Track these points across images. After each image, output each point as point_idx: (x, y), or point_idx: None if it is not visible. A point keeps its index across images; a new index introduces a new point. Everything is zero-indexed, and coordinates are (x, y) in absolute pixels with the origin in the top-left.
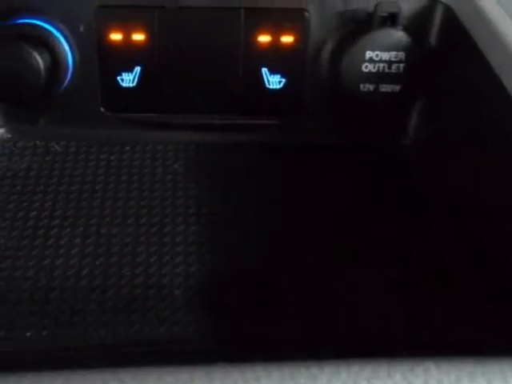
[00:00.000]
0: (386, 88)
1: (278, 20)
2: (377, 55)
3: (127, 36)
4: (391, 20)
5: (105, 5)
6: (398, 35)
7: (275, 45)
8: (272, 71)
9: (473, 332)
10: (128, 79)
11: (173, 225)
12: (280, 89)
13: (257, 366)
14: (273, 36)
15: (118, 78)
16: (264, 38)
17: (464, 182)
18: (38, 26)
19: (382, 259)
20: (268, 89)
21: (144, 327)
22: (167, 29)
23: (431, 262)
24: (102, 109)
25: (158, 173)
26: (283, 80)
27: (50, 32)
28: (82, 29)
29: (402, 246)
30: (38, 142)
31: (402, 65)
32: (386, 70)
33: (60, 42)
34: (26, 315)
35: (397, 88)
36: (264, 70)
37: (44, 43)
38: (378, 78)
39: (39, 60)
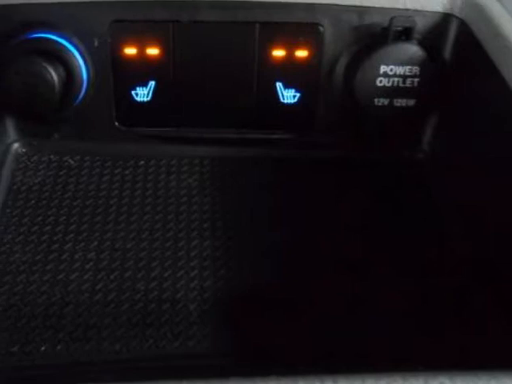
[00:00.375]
0: (400, 102)
1: (292, 34)
2: (391, 69)
3: (142, 50)
4: (406, 34)
5: (120, 19)
6: (413, 49)
7: (290, 59)
8: (286, 85)
9: (487, 347)
10: (142, 93)
11: (187, 239)
12: (294, 103)
13: (271, 380)
14: (287, 50)
15: (133, 92)
16: (278, 53)
17: (478, 195)
18: (53, 40)
19: (397, 274)
20: (282, 103)
21: (158, 342)
22: (182, 43)
23: (446, 277)
24: (116, 123)
25: (172, 187)
26: (297, 94)
27: (64, 46)
28: (96, 43)
29: (417, 260)
30: (52, 156)
31: (416, 79)
32: (401, 84)
33: (74, 57)
34: (40, 329)
35: (411, 102)
36: (278, 85)
37: (58, 58)
38: (393, 92)
39: (54, 74)
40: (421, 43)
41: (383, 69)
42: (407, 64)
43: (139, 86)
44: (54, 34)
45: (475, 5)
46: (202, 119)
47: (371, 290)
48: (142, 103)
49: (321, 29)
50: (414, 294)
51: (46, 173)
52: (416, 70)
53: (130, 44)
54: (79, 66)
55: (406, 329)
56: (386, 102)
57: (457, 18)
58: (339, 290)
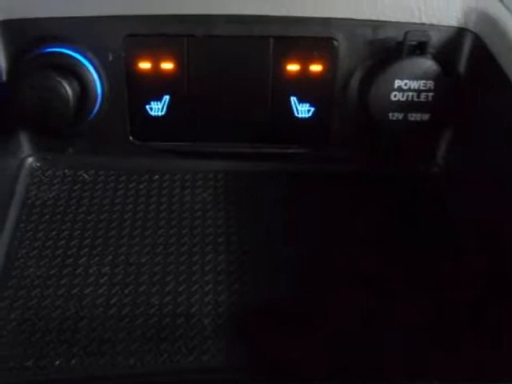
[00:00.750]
0: (414, 117)
1: (307, 49)
2: (406, 84)
3: (156, 65)
4: (420, 49)
5: (134, 33)
6: (427, 64)
7: (304, 74)
8: (301, 100)
9: (503, 361)
10: (157, 108)
11: (202, 254)
12: (309, 117)
13: None
14: (302, 65)
15: (147, 106)
16: (293, 67)
17: (493, 209)
18: (67, 54)
19: (412, 288)
20: (297, 117)
21: (173, 356)
22: (196, 57)
23: (461, 291)
24: (130, 137)
25: (186, 201)
26: (312, 109)
27: (78, 61)
28: (110, 57)
29: (432, 274)
30: (66, 170)
31: (430, 93)
32: (415, 98)
33: (89, 71)
34: (54, 344)
35: (426, 117)
36: (293, 99)
37: (73, 72)
38: (407, 106)
39: (68, 89)
40: (435, 57)
41: (398, 83)
42: (422, 78)
43: (154, 100)
44: (68, 49)
45: (489, 19)
46: (217, 133)
47: (386, 304)
48: (157, 117)
49: (335, 43)
50: (429, 308)
51: (60, 187)
52: (430, 84)
53: (145, 58)
54: (94, 81)
55: (422, 343)
56: (400, 116)
57: (471, 32)
58: (354, 304)
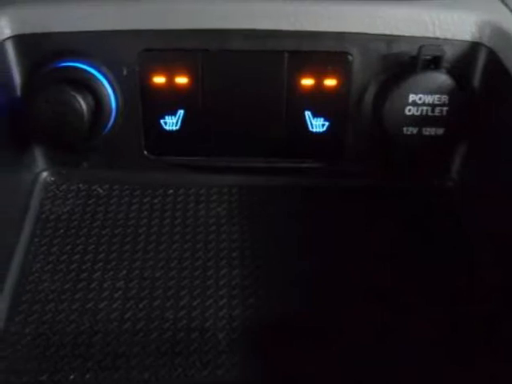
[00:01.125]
0: (429, 131)
1: (321, 63)
2: (420, 98)
3: (171, 79)
4: (435, 63)
5: (148, 48)
6: (442, 78)
7: (318, 88)
8: (315, 114)
9: None
10: (171, 122)
11: (216, 268)
12: (323, 132)
13: None
14: (316, 79)
15: (162, 121)
16: (307, 82)
17: (508, 223)
18: (82, 69)
19: (426, 303)
20: (311, 132)
21: (187, 370)
22: (211, 72)
23: (476, 306)
24: (145, 152)
25: (201, 216)
26: (326, 123)
27: (93, 75)
28: (125, 72)
29: (447, 289)
30: (80, 185)
31: (445, 108)
32: (430, 113)
33: (103, 86)
34: (69, 358)
35: (440, 131)
36: (307, 113)
37: (87, 86)
38: (422, 121)
39: (83, 103)
40: (449, 72)
41: (412, 97)
42: (436, 93)
43: (168, 114)
44: (83, 63)
45: (504, 34)
46: (231, 148)
47: (400, 319)
48: (171, 132)
49: (350, 58)
50: (444, 322)
51: (74, 201)
52: (445, 98)
53: (159, 73)
54: (108, 95)
55: (436, 357)
56: (414, 130)
57: (485, 46)
58: (369, 319)
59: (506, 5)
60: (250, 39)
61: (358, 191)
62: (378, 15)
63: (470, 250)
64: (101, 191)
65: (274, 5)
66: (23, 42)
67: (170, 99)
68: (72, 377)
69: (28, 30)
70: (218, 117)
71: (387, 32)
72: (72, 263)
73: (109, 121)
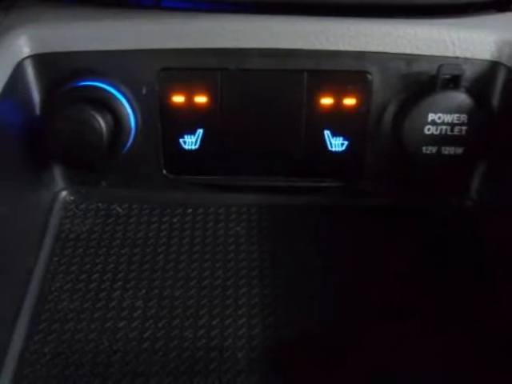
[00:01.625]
0: (448, 150)
1: (340, 82)
2: (439, 117)
3: (190, 98)
4: (454, 82)
5: (167, 67)
6: (461, 98)
7: (338, 107)
8: (334, 133)
9: None
10: (190, 141)
11: (235, 287)
12: (342, 151)
13: None
14: (335, 98)
15: (181, 140)
16: (327, 101)
17: None
18: (101, 88)
19: (446, 323)
20: (330, 151)
21: None
22: (230, 91)
23: (495, 323)
24: (164, 171)
25: (220, 235)
26: (346, 142)
27: (112, 94)
28: (144, 91)
29: (466, 307)
30: (100, 204)
31: (464, 127)
32: (449, 132)
33: (122, 105)
34: (88, 377)
35: (459, 150)
36: (326, 133)
37: (107, 105)
38: (441, 140)
39: (102, 122)
40: (469, 91)
41: (431, 117)
42: (455, 112)
43: (187, 134)
44: (102, 82)
45: None
46: (250, 167)
47: (420, 338)
48: (190, 151)
49: (369, 77)
50: (463, 340)
51: (93, 221)
52: (464, 117)
53: (178, 92)
54: (127, 114)
55: (456, 375)
56: (434, 149)
57: (505, 66)
58: (388, 338)
59: None
60: (269, 58)
61: (377, 210)
62: (397, 34)
63: (488, 269)
64: (120, 210)
65: (294, 24)
66: (42, 61)
67: (189, 118)
68: None
69: (47, 49)
70: (237, 136)
71: (407, 51)
72: (91, 282)
73: (128, 140)
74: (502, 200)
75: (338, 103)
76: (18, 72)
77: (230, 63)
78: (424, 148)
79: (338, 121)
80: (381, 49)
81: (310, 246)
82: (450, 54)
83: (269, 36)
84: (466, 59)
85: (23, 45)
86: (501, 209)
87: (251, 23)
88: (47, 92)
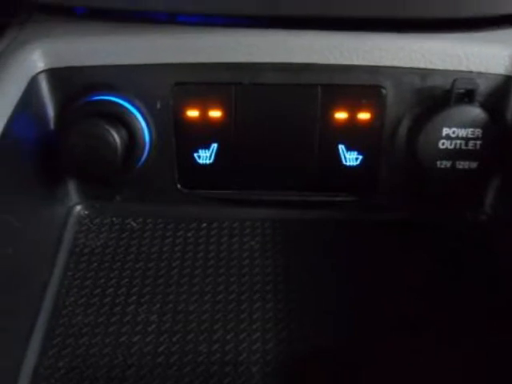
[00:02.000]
0: (462, 165)
1: (354, 97)
2: (454, 132)
3: (204, 112)
4: (468, 97)
5: (182, 81)
6: (475, 112)
7: (352, 122)
8: (349, 148)
9: None
10: (205, 156)
11: (250, 302)
12: (357, 165)
13: None
14: (349, 113)
15: (195, 154)
16: (341, 115)
17: None
18: (115, 102)
19: (460, 337)
20: (345, 165)
21: None
22: (244, 105)
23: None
24: (178, 185)
25: (234, 250)
26: (360, 157)
27: (126, 109)
28: (158, 105)
29: (481, 323)
30: (114, 218)
31: (478, 141)
32: (463, 146)
33: (137, 119)
34: None
35: (474, 165)
36: (341, 147)
37: (121, 120)
38: (455, 154)
39: (116, 137)
40: (483, 105)
41: (446, 131)
42: (469, 126)
43: (202, 148)
44: (116, 97)
45: None
46: (264, 181)
47: (435, 352)
48: (205, 165)
49: (383, 91)
50: (478, 355)
51: (108, 235)
52: (478, 132)
53: (193, 106)
54: (141, 129)
55: None
56: (448, 164)
57: None
58: (403, 352)
59: None
60: (283, 73)
61: (392, 224)
62: (411, 49)
63: (503, 283)
64: (134, 225)
65: (308, 38)
66: (56, 75)
67: (204, 133)
68: None
69: (61, 63)
70: (251, 150)
71: (421, 66)
72: (105, 297)
73: (142, 154)
74: None
75: (352, 117)
76: (32, 86)
77: (244, 77)
78: (438, 162)
79: (352, 135)
80: (395, 63)
81: (324, 260)
82: (463, 68)
83: (283, 50)
84: (479, 73)
85: (37, 59)
86: None
87: (265, 38)
88: (61, 106)
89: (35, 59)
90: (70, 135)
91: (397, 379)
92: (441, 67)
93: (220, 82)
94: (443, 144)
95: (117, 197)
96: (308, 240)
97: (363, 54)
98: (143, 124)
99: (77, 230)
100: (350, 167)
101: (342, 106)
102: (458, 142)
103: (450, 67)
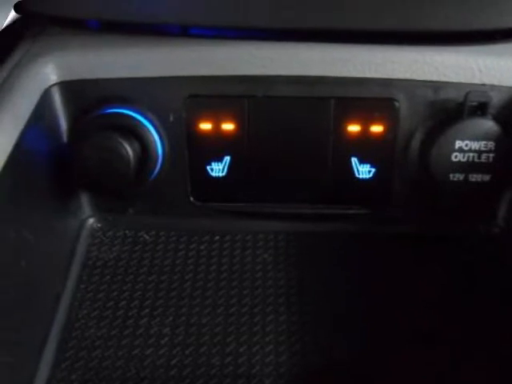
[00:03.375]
0: (475, 178)
1: (367, 110)
2: (466, 145)
3: (217, 125)
4: (481, 109)
5: (195, 94)
6: (488, 125)
7: (365, 134)
8: (362, 161)
9: None
10: (217, 169)
11: (263, 314)
12: (370, 178)
13: None
14: (362, 125)
15: (208, 167)
16: (354, 128)
17: None
18: (128, 115)
19: (474, 350)
20: (358, 178)
21: None
22: (257, 118)
23: None
24: (191, 198)
25: (247, 262)
26: (373, 170)
27: (139, 121)
28: (171, 118)
29: (495, 336)
30: (127, 231)
31: (491, 154)
32: (476, 159)
33: (150, 132)
34: None
35: (487, 178)
36: (354, 160)
37: (134, 133)
38: (468, 167)
39: (129, 150)
40: (496, 118)
41: (458, 144)
42: (482, 139)
43: (214, 161)
44: (129, 110)
45: None
46: (277, 194)
47: (448, 365)
48: (218, 178)
49: (396, 104)
50: (492, 368)
51: (121, 248)
52: (491, 145)
53: (205, 119)
54: (154, 141)
55: None
56: (461, 177)
57: None
58: (416, 365)
59: None
60: (296, 85)
61: (405, 237)
62: (424, 62)
63: None
64: (147, 237)
65: (321, 51)
66: (69, 88)
67: (217, 145)
68: None
69: (74, 76)
70: (264, 163)
71: (434, 78)
72: (118, 309)
73: (155, 167)
74: None
75: (365, 130)
76: (45, 99)
77: (257, 90)
78: (451, 175)
79: (366, 148)
80: (408, 76)
81: (338, 273)
82: (476, 81)
83: (296, 63)
84: (492, 86)
85: (50, 72)
86: None
87: (278, 50)
88: (74, 119)
89: (48, 72)
90: (82, 148)
91: None
92: (454, 80)
93: (233, 94)
94: (456, 157)
95: (130, 209)
96: (321, 253)
97: (376, 66)
98: (156, 137)
99: (90, 242)
100: (363, 180)
101: (355, 119)
102: (471, 154)
103: (463, 80)
